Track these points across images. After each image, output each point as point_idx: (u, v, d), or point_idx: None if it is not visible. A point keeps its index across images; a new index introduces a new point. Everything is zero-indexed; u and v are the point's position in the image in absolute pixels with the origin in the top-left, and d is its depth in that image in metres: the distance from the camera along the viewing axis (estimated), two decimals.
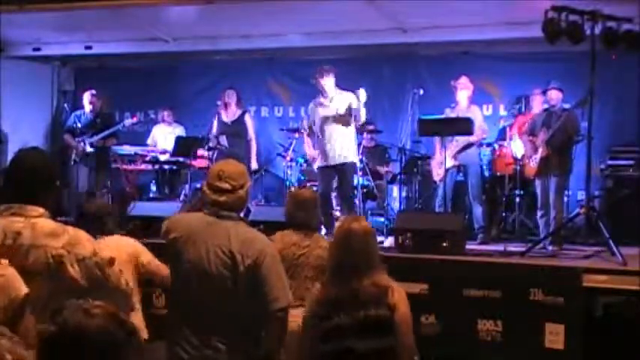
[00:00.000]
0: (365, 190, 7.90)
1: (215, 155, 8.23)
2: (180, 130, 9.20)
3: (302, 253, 4.19)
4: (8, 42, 9.52)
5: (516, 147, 7.60)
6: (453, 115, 7.31)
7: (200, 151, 8.38)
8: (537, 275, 5.42)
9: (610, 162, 7.78)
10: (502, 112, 8.92)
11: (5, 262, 2.25)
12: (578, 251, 6.28)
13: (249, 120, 8.46)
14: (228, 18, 8.16)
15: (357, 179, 7.34)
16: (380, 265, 3.18)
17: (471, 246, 6.50)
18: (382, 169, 8.43)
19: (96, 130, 8.41)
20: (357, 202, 7.23)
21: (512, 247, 6.46)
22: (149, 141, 9.25)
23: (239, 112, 8.42)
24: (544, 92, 7.12)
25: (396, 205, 8.32)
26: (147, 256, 4.08)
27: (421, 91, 7.67)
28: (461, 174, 7.43)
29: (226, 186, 3.13)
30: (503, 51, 8.78)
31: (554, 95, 6.91)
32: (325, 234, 6.02)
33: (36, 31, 9.11)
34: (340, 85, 6.97)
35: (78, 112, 8.72)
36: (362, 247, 3.14)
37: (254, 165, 8.25)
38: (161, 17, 8.53)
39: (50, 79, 10.73)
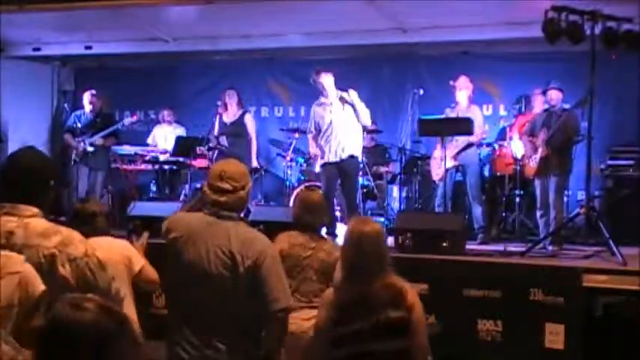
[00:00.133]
0: (365, 190, 7.90)
1: (215, 155, 8.23)
2: (180, 131, 9.20)
3: (307, 255, 4.19)
4: (8, 42, 9.52)
5: (516, 147, 7.60)
6: (453, 115, 7.31)
7: (200, 151, 8.38)
8: (537, 275, 5.42)
9: (610, 162, 7.78)
10: (502, 112, 8.93)
11: (21, 257, 2.25)
12: (578, 251, 6.29)
13: (249, 120, 8.46)
14: (228, 18, 8.16)
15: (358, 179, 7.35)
16: (390, 265, 3.18)
17: (471, 246, 6.50)
18: (382, 169, 8.43)
19: (96, 130, 8.41)
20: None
21: (512, 247, 6.46)
22: (149, 141, 9.25)
23: (239, 112, 8.42)
24: (544, 92, 7.12)
25: (396, 205, 8.33)
26: (139, 262, 4.05)
27: (421, 91, 7.68)
28: (460, 174, 7.43)
29: (227, 186, 3.13)
30: (503, 51, 8.78)
31: (554, 95, 6.91)
32: (326, 233, 6.01)
33: (36, 31, 9.11)
34: (340, 85, 6.96)
35: (78, 112, 8.72)
36: (374, 249, 3.13)
37: (254, 163, 8.24)
38: (161, 17, 8.53)
39: (50, 79, 10.73)
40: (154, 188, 8.89)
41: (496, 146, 7.98)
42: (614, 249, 5.67)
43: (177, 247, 3.13)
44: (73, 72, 10.84)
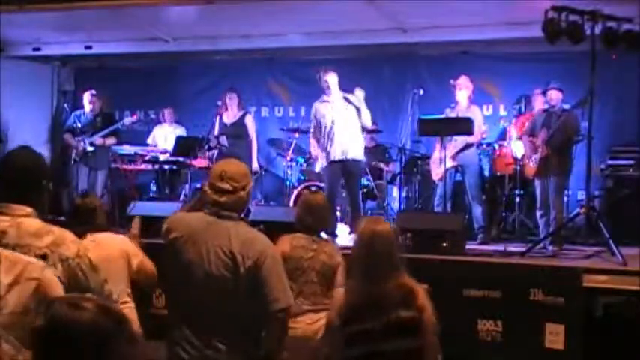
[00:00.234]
0: (365, 190, 7.90)
1: (215, 155, 8.23)
2: (181, 131, 9.21)
3: (309, 257, 4.19)
4: (8, 42, 9.53)
5: (516, 147, 7.60)
6: (453, 115, 7.31)
7: (200, 151, 8.37)
8: (537, 275, 5.41)
9: (610, 162, 7.78)
10: (502, 112, 8.93)
11: (42, 264, 2.24)
12: (578, 251, 6.29)
13: (250, 121, 8.46)
14: (228, 18, 8.16)
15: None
16: (403, 265, 3.18)
17: (471, 246, 6.50)
18: (381, 165, 8.43)
19: (96, 130, 8.41)
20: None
21: (512, 247, 6.46)
22: (149, 141, 9.25)
23: (240, 113, 8.42)
24: (544, 92, 7.12)
25: (396, 205, 8.32)
26: (137, 256, 4.08)
27: (421, 91, 7.68)
28: (460, 174, 7.43)
29: (227, 187, 3.13)
30: (503, 51, 8.79)
31: (554, 95, 6.91)
32: (326, 233, 6.01)
33: (36, 31, 9.11)
34: (340, 85, 6.97)
35: (78, 112, 8.72)
36: (386, 249, 3.14)
37: (254, 165, 8.24)
38: (161, 17, 8.53)
39: (50, 79, 10.73)
40: (154, 188, 8.89)
41: (496, 146, 7.98)
42: (614, 249, 5.67)
43: (177, 247, 3.13)
44: (73, 72, 10.85)
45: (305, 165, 8.46)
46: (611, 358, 5.01)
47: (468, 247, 6.28)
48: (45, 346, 1.60)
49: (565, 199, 7.23)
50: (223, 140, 8.23)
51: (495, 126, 8.34)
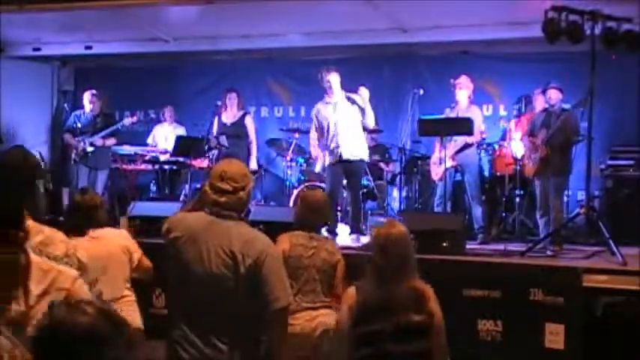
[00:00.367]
0: (365, 190, 7.90)
1: (215, 155, 8.23)
2: (180, 131, 9.21)
3: (309, 255, 4.19)
4: (8, 42, 9.53)
5: (516, 147, 7.60)
6: (453, 115, 7.31)
7: (200, 151, 8.37)
8: (537, 275, 5.41)
9: (610, 162, 7.78)
10: (502, 112, 8.93)
11: (74, 274, 2.21)
12: (578, 251, 6.29)
13: (249, 122, 8.46)
14: (228, 18, 8.17)
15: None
16: (416, 268, 3.20)
17: (471, 246, 6.50)
18: (381, 164, 8.44)
19: (96, 130, 8.41)
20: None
21: (512, 247, 6.46)
22: (149, 141, 9.26)
23: (239, 113, 8.42)
24: (543, 92, 7.11)
25: (396, 205, 8.32)
26: (137, 252, 4.11)
27: (421, 91, 7.68)
28: (460, 174, 7.43)
29: (227, 187, 3.13)
30: (503, 51, 8.79)
31: (554, 95, 6.90)
32: (327, 231, 6.01)
33: (36, 31, 9.12)
34: (341, 85, 6.96)
35: (78, 112, 8.72)
36: (401, 252, 3.17)
37: (253, 165, 8.24)
38: (161, 17, 8.54)
39: (50, 79, 10.74)
40: (154, 188, 8.89)
41: (496, 146, 7.98)
42: (614, 249, 5.67)
43: (177, 247, 3.13)
44: (73, 72, 10.85)
45: (305, 165, 8.46)
46: (611, 358, 5.01)
47: (468, 247, 6.28)
48: (44, 349, 1.60)
49: (565, 199, 7.23)
50: (223, 140, 8.22)
51: (495, 126, 8.33)
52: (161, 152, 8.88)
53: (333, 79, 6.83)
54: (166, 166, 8.74)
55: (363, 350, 3.04)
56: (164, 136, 9.19)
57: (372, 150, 8.44)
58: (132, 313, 3.92)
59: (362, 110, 6.82)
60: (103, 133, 8.38)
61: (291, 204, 7.60)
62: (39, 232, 2.44)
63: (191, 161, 8.29)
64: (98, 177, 8.38)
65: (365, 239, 6.78)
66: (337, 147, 6.82)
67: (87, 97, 8.63)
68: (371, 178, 7.97)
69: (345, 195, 7.39)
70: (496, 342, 5.36)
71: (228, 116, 8.38)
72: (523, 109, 8.06)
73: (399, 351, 2.96)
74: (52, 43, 9.65)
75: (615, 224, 6.74)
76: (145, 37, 9.12)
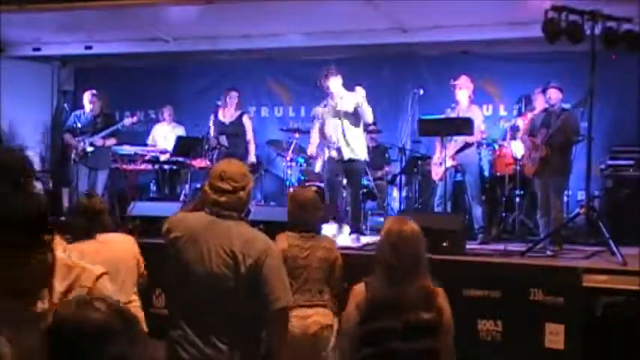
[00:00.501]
0: (365, 190, 7.90)
1: (215, 155, 8.23)
2: (180, 131, 9.21)
3: (305, 255, 4.19)
4: (8, 42, 9.53)
5: (516, 147, 7.60)
6: (453, 115, 7.31)
7: (200, 151, 8.38)
8: (537, 275, 5.41)
9: (610, 162, 7.78)
10: (502, 112, 8.93)
11: (96, 272, 2.19)
12: (578, 251, 6.28)
13: (247, 121, 8.49)
14: (228, 18, 8.17)
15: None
16: (427, 267, 3.16)
17: (471, 246, 6.50)
18: (379, 174, 8.43)
19: (96, 130, 8.40)
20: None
21: (512, 247, 6.46)
22: (149, 141, 9.26)
23: (237, 113, 8.44)
24: (543, 91, 7.11)
25: (396, 205, 8.32)
26: (141, 258, 4.13)
27: (421, 91, 7.67)
28: (460, 174, 7.43)
29: (227, 187, 3.13)
30: (503, 51, 8.79)
31: (554, 95, 6.90)
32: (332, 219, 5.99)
33: (36, 31, 9.12)
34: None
35: (78, 112, 8.71)
36: (413, 251, 3.12)
37: (252, 159, 8.27)
38: (161, 17, 8.54)
39: (50, 79, 10.74)
40: (154, 188, 8.89)
41: (496, 146, 7.98)
42: (614, 249, 5.67)
43: (178, 247, 3.13)
44: (73, 72, 10.85)
45: (305, 165, 8.46)
46: (611, 358, 5.01)
47: (468, 247, 6.27)
48: (54, 344, 1.60)
49: (565, 199, 7.23)
50: (223, 140, 8.23)
51: (495, 126, 8.33)
52: (161, 152, 8.88)
53: (333, 83, 6.82)
54: (166, 166, 8.74)
55: (369, 348, 3.02)
56: (163, 135, 9.20)
57: (372, 150, 8.46)
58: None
59: (360, 108, 6.81)
60: (103, 133, 8.37)
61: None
62: None
63: (191, 161, 8.29)
64: (98, 177, 8.38)
65: (365, 239, 6.79)
66: (337, 148, 6.83)
67: (87, 97, 8.63)
68: (371, 178, 7.97)
69: (345, 195, 7.38)
70: (496, 342, 5.36)
71: (226, 115, 8.39)
72: (523, 109, 8.06)
73: (405, 349, 2.95)
74: (52, 43, 9.65)
75: (615, 224, 6.74)
76: (145, 37, 9.12)
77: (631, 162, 7.69)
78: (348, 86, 6.98)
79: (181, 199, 8.07)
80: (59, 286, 2.08)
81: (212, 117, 8.37)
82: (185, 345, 3.06)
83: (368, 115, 6.86)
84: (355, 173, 6.97)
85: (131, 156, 8.91)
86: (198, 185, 7.65)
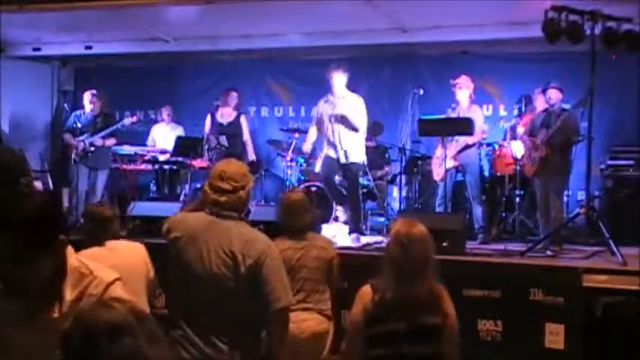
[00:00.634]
0: (365, 190, 7.90)
1: (214, 155, 8.23)
2: (179, 131, 9.21)
3: (298, 257, 4.19)
4: (8, 42, 9.53)
5: (516, 147, 7.60)
6: (454, 115, 7.30)
7: (200, 151, 8.39)
8: (537, 275, 5.41)
9: (610, 162, 7.78)
10: (502, 112, 8.92)
11: (108, 279, 2.14)
12: (578, 251, 6.28)
13: (244, 122, 8.54)
14: (228, 18, 8.17)
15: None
16: (435, 269, 3.14)
17: (471, 246, 6.49)
18: (379, 174, 8.43)
19: (96, 130, 8.40)
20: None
21: (512, 247, 6.46)
22: (148, 142, 9.26)
23: (235, 113, 8.46)
24: (543, 91, 7.11)
25: (396, 205, 8.33)
26: (151, 266, 4.12)
27: (421, 91, 7.66)
28: (460, 174, 7.43)
29: (227, 186, 3.14)
30: (503, 51, 8.79)
31: (554, 95, 6.90)
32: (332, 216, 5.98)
33: (36, 31, 9.12)
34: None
35: (78, 112, 8.71)
36: (422, 253, 3.11)
37: (251, 157, 8.28)
38: (161, 17, 8.53)
39: (50, 79, 10.74)
40: (154, 188, 8.89)
41: (496, 146, 7.98)
42: (614, 249, 5.67)
43: (178, 247, 3.13)
44: (73, 72, 10.85)
45: (305, 165, 8.46)
46: (611, 358, 5.01)
47: (468, 247, 6.27)
48: (71, 344, 1.61)
49: (565, 199, 7.23)
50: (223, 140, 8.24)
51: (495, 126, 8.33)
52: (161, 152, 8.88)
53: (335, 78, 6.85)
54: (166, 166, 8.74)
55: (376, 350, 3.02)
56: (162, 135, 9.20)
57: (372, 150, 8.46)
58: None
59: (356, 113, 6.85)
60: (103, 133, 8.37)
61: None
62: None
63: (191, 161, 8.29)
64: (98, 177, 8.37)
65: (365, 239, 6.79)
66: (333, 144, 6.88)
67: (87, 97, 8.62)
68: (371, 178, 7.97)
69: (344, 194, 7.38)
70: (496, 342, 5.36)
71: (224, 116, 8.40)
72: (523, 109, 8.06)
73: (410, 352, 2.95)
74: (52, 43, 9.65)
75: (615, 224, 6.74)
76: (145, 37, 9.12)
77: (631, 162, 7.69)
78: (349, 86, 6.99)
79: (181, 199, 8.07)
80: (69, 294, 2.07)
81: (209, 117, 8.38)
82: (185, 345, 3.06)
83: (359, 123, 6.88)
84: (353, 173, 6.99)
85: (131, 156, 8.91)
86: (198, 185, 7.65)
